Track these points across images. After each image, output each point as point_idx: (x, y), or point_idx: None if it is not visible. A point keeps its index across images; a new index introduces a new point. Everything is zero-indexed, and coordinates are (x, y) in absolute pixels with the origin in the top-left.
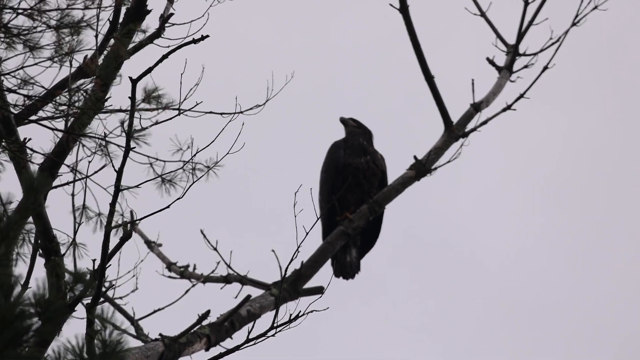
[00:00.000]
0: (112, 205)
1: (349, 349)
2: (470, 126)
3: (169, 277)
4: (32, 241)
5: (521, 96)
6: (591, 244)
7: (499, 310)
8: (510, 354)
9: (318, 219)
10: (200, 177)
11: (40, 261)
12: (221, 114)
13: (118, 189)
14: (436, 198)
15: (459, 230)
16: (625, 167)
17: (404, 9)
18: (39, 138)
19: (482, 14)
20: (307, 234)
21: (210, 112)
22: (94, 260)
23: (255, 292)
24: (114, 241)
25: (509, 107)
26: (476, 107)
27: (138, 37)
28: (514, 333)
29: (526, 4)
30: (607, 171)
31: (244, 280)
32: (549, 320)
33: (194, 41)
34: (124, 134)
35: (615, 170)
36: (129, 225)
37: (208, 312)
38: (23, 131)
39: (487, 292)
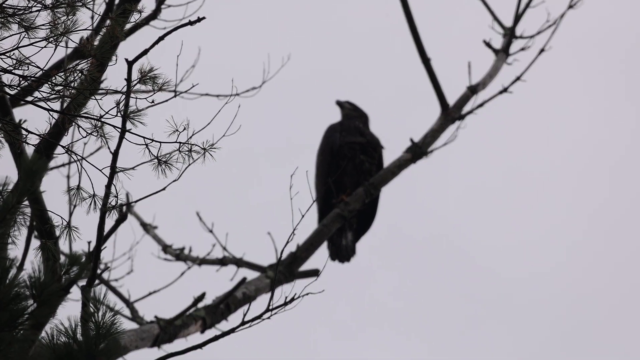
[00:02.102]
0: (108, 187)
1: (344, 332)
2: (466, 109)
3: (165, 259)
4: (28, 223)
5: (518, 79)
6: (586, 237)
7: (489, 305)
8: (498, 350)
9: (314, 201)
10: (197, 159)
11: (35, 243)
12: (217, 96)
13: (114, 170)
14: (428, 186)
15: (450, 221)
16: (624, 156)
17: None
18: (35, 119)
19: None
20: (302, 216)
21: (207, 94)
22: (89, 243)
23: (251, 275)
24: (109, 223)
25: (505, 90)
26: (473, 90)
27: (134, 18)
28: (502, 329)
29: None
30: (608, 160)
31: (239, 263)
32: (540, 317)
33: (190, 23)
34: (119, 115)
35: (614, 160)
36: (124, 207)
37: (203, 294)
38: (18, 113)
39: (477, 285)
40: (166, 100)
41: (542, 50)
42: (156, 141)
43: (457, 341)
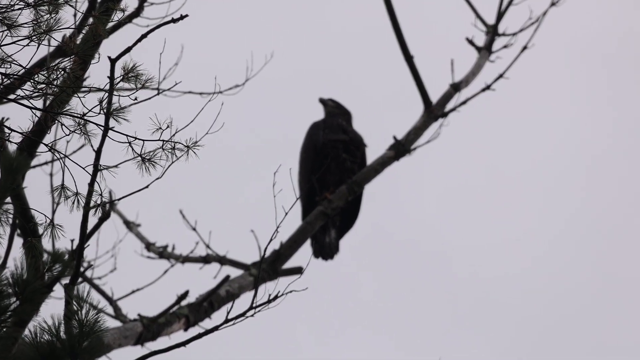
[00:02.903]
0: (91, 185)
1: (325, 331)
2: (449, 106)
3: (148, 257)
4: (10, 221)
5: (500, 76)
6: (563, 236)
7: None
8: (478, 349)
9: (297, 199)
10: (180, 157)
11: (18, 241)
12: (200, 93)
13: (97, 168)
14: (410, 184)
15: (430, 220)
16: (610, 162)
17: None
18: (17, 117)
19: None
20: (286, 214)
21: (190, 92)
22: (72, 241)
23: (234, 273)
24: (92, 221)
25: (488, 87)
26: (455, 87)
27: (117, 16)
28: (482, 328)
29: None
30: (587, 159)
31: (223, 261)
32: (518, 316)
33: (173, 20)
34: (102, 113)
35: (594, 159)
36: (107, 205)
37: (187, 292)
38: (0, 111)
39: (457, 284)
40: (149, 98)
41: (524, 48)
42: (139, 139)
43: (437, 341)
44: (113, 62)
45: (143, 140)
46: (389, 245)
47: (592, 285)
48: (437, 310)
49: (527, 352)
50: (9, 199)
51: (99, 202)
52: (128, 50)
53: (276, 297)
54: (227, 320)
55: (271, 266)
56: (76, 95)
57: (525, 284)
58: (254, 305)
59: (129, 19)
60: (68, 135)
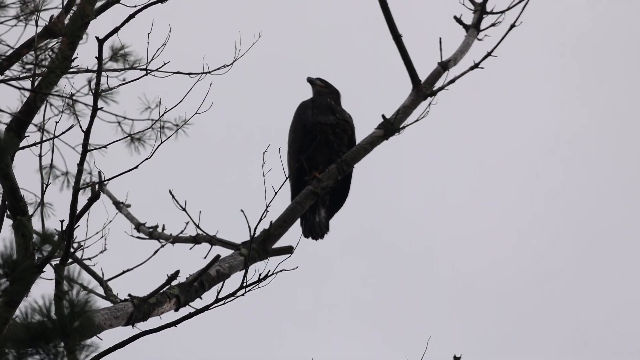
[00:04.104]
0: (80, 165)
1: (317, 308)
2: (438, 85)
3: (138, 237)
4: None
5: (489, 54)
6: (556, 229)
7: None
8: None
9: (287, 178)
10: (170, 137)
11: (7, 222)
12: (189, 74)
13: (86, 148)
14: (395, 167)
15: (414, 208)
16: (599, 143)
17: None
18: (6, 98)
19: None
20: (275, 193)
21: (178, 72)
22: (62, 221)
23: (225, 252)
24: (82, 202)
25: (476, 66)
26: (444, 66)
27: None
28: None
29: None
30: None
31: (213, 241)
32: (501, 306)
33: (161, 0)
34: (91, 93)
35: (587, 146)
36: (97, 185)
37: (177, 272)
38: None
39: (441, 273)
40: (138, 79)
41: (512, 26)
42: (128, 119)
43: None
44: (101, 42)
45: (132, 119)
46: (374, 230)
47: (583, 279)
48: (421, 299)
49: (509, 340)
50: None
51: (88, 182)
52: (116, 30)
53: (266, 276)
54: (217, 300)
55: (261, 246)
56: (65, 76)
57: (508, 271)
58: (245, 284)
59: None
60: (57, 115)
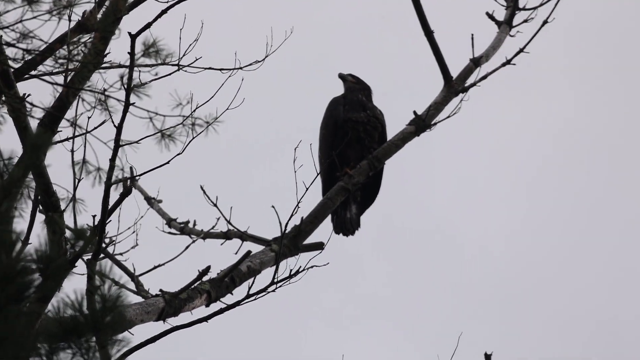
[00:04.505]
0: (112, 160)
1: (348, 305)
2: (470, 81)
3: (169, 233)
4: (32, 197)
5: (521, 50)
6: (579, 228)
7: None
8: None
9: (318, 174)
10: (200, 133)
11: (40, 217)
12: (220, 69)
13: (118, 144)
14: (427, 163)
15: (442, 209)
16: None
17: None
18: (39, 93)
19: None
20: (307, 189)
21: (210, 68)
22: (94, 216)
23: (256, 248)
24: (114, 197)
25: (508, 62)
26: (476, 62)
27: None
28: (492, 319)
29: None
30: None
31: (244, 236)
32: (530, 307)
33: None
34: (123, 89)
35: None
36: (128, 181)
37: (208, 268)
38: (22, 87)
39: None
40: (170, 74)
41: (545, 22)
42: (160, 114)
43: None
44: (133, 37)
45: (164, 115)
46: (404, 226)
47: (612, 278)
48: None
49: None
50: (31, 175)
51: (120, 177)
52: (148, 25)
53: (297, 272)
54: (248, 296)
55: (292, 242)
56: (97, 71)
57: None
58: (276, 280)
59: None
60: (89, 110)
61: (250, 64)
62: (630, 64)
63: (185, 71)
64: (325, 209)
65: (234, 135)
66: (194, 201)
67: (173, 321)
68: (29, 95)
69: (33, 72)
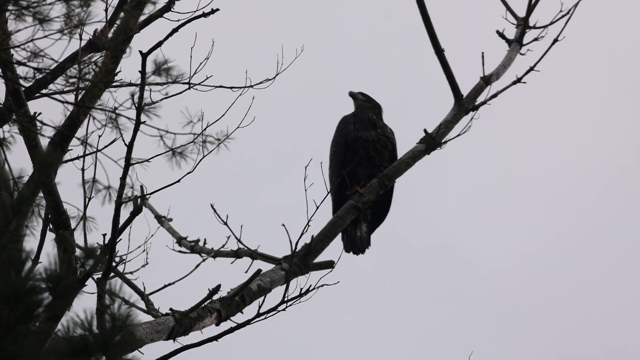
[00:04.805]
0: (123, 179)
1: (359, 323)
2: (480, 99)
3: (179, 251)
4: (43, 215)
5: (531, 69)
6: (592, 248)
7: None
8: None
9: (328, 193)
10: (211, 151)
11: (50, 236)
12: (231, 87)
13: (128, 162)
14: (436, 180)
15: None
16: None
17: None
18: (49, 112)
19: None
20: (317, 208)
21: (220, 86)
22: (104, 235)
23: (266, 267)
24: (124, 215)
25: (519, 80)
26: (486, 80)
27: (148, 10)
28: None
29: None
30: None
31: (254, 255)
32: (541, 325)
33: (204, 15)
34: (134, 107)
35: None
36: (139, 199)
37: (218, 286)
38: (33, 105)
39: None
40: (180, 92)
41: (555, 40)
42: (171, 132)
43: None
44: (144, 56)
45: (174, 133)
46: (415, 244)
47: (622, 297)
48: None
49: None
50: (41, 194)
51: (130, 196)
52: (159, 44)
53: (308, 290)
54: (259, 314)
55: (302, 260)
56: (108, 90)
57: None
58: (286, 299)
59: (160, 13)
60: (100, 129)
61: (261, 82)
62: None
63: (196, 89)
64: (336, 228)
65: (245, 153)
66: (204, 219)
67: (183, 340)
68: (39, 113)
69: (44, 91)
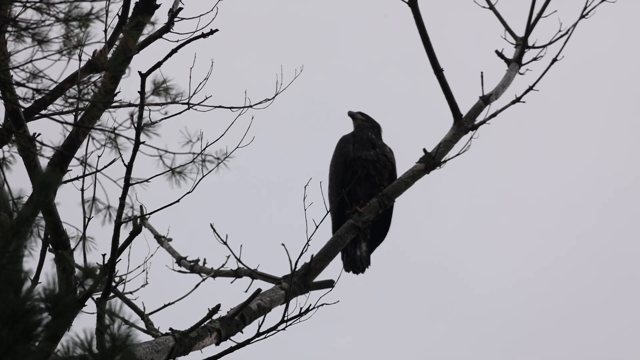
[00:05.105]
0: (122, 199)
1: (358, 342)
2: (479, 119)
3: (179, 271)
4: (42, 236)
5: (530, 88)
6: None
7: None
8: None
9: (328, 212)
10: (211, 171)
11: (50, 256)
12: (230, 108)
13: (128, 182)
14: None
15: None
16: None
17: (412, 3)
18: (49, 132)
19: (491, 7)
20: (316, 227)
21: (220, 107)
22: (103, 255)
23: (266, 286)
24: (123, 235)
25: (518, 100)
26: (485, 100)
27: (147, 31)
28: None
29: None
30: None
31: (254, 274)
32: (539, 346)
33: (203, 35)
34: (133, 127)
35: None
36: (138, 219)
37: (218, 306)
38: (32, 126)
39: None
40: (179, 112)
41: (554, 60)
42: (170, 152)
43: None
44: (144, 76)
45: (174, 153)
46: (411, 260)
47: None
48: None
49: None
50: (40, 214)
51: (130, 216)
52: (158, 65)
53: (307, 310)
54: (259, 334)
55: (302, 279)
56: (107, 110)
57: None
58: (286, 318)
59: (159, 33)
60: (99, 149)
61: (260, 102)
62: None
63: (196, 109)
64: (336, 247)
65: (244, 173)
66: (203, 239)
67: None
68: (39, 134)
69: (43, 112)
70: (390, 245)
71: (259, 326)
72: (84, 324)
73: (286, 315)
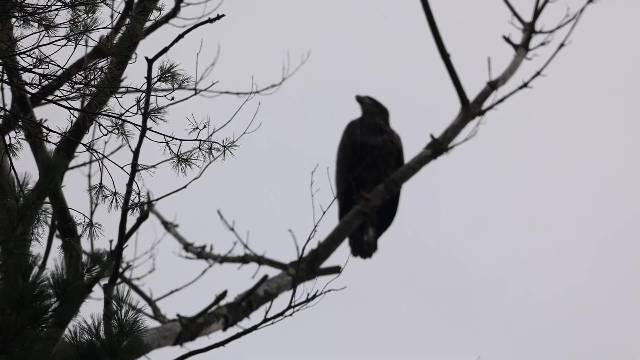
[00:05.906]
0: (129, 185)
1: (366, 329)
2: (487, 104)
3: (186, 257)
4: (49, 222)
5: (538, 74)
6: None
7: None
8: None
9: (335, 198)
10: (217, 157)
11: (57, 242)
12: (237, 93)
13: (135, 168)
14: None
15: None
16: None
17: None
18: (55, 119)
19: None
20: (324, 213)
21: (227, 92)
22: (111, 241)
23: (273, 272)
24: (131, 221)
25: (525, 85)
26: (493, 85)
27: (153, 16)
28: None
29: None
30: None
31: (261, 260)
32: (545, 334)
33: (210, 20)
34: (140, 113)
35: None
36: (145, 205)
37: (225, 292)
38: (39, 112)
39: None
40: (186, 98)
41: (561, 45)
42: (177, 139)
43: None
44: (150, 62)
45: (180, 140)
46: (422, 249)
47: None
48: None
49: None
50: (47, 199)
51: (137, 202)
52: (165, 50)
53: (314, 296)
54: (265, 320)
55: (309, 265)
56: (114, 96)
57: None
58: (293, 304)
59: (165, 19)
60: (106, 135)
61: (267, 88)
62: None
63: (202, 95)
64: (342, 233)
65: (251, 159)
66: (211, 225)
67: (190, 346)
68: (45, 120)
69: (49, 97)
70: (397, 231)
71: (266, 312)
72: (92, 309)
73: (293, 301)
